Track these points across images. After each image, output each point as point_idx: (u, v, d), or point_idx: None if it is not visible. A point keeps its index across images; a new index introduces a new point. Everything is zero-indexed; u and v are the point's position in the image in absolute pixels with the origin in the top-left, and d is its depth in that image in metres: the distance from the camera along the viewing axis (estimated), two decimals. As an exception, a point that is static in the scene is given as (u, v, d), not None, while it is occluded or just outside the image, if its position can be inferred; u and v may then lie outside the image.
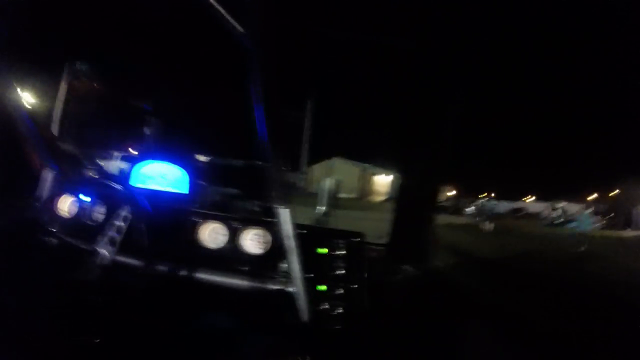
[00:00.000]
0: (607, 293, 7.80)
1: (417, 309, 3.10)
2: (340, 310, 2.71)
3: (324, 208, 3.86)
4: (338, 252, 2.78)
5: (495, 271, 9.60)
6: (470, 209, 31.33)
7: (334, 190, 3.86)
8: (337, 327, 2.68)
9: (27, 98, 2.47)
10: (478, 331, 3.03)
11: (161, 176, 3.00)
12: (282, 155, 2.45)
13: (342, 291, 2.74)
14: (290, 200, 2.49)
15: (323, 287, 2.72)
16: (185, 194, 3.04)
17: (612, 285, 9.32)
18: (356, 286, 2.77)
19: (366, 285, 2.80)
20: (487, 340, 2.98)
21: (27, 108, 2.48)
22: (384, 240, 3.43)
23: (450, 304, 3.37)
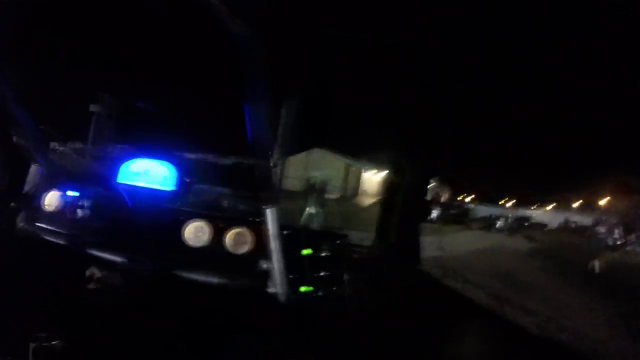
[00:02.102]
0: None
1: (409, 309, 3.41)
2: (326, 311, 3.01)
3: (309, 208, 4.18)
4: (323, 254, 3.07)
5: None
6: (502, 223, 28.59)
7: (318, 188, 4.10)
8: (322, 327, 2.97)
9: (21, 96, 2.70)
10: (475, 331, 3.34)
11: (149, 173, 3.26)
12: (270, 155, 2.74)
13: (327, 292, 3.04)
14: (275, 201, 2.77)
15: (309, 288, 3.00)
16: (172, 192, 3.30)
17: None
18: (342, 287, 3.08)
19: (353, 286, 3.11)
20: (484, 340, 3.29)
21: (20, 106, 2.72)
22: (374, 241, 3.74)
23: (443, 305, 3.67)
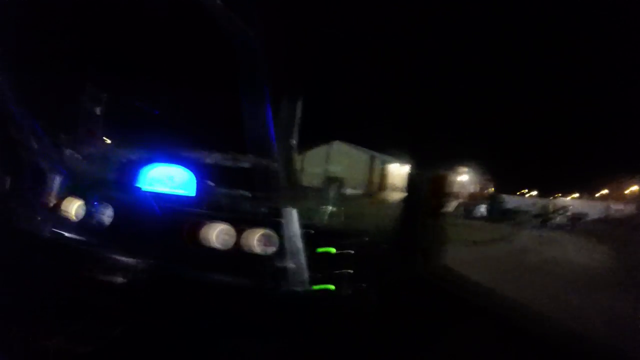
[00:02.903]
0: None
1: (425, 309, 3.48)
2: (348, 309, 3.11)
3: (327, 206, 4.26)
4: (345, 252, 3.15)
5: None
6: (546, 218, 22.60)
7: (336, 185, 4.18)
8: (344, 325, 3.07)
9: (33, 100, 2.82)
10: (482, 332, 3.40)
11: (167, 178, 3.40)
12: (287, 155, 2.83)
13: (349, 291, 3.13)
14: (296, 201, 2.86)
15: (330, 287, 3.09)
16: (191, 196, 3.41)
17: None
18: (364, 285, 3.17)
19: (374, 285, 3.19)
20: (490, 341, 3.35)
21: (33, 111, 2.85)
22: (391, 239, 3.82)
23: (457, 305, 3.73)
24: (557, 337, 3.34)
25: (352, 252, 3.21)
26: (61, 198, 3.23)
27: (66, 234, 3.14)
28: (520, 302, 4.58)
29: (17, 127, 3.03)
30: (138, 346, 2.81)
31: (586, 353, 3.26)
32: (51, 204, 3.21)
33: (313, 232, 3.03)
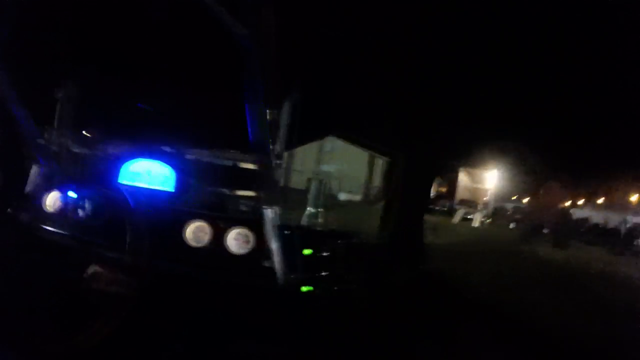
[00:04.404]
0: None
1: (412, 309, 3.57)
2: (327, 311, 3.20)
3: (309, 207, 4.36)
4: (324, 254, 3.25)
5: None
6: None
7: (324, 188, 4.24)
8: (322, 327, 3.16)
9: (19, 95, 2.88)
10: (476, 331, 3.50)
11: (149, 174, 3.46)
12: (270, 154, 2.91)
13: (328, 292, 3.23)
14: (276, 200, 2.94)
15: (308, 288, 3.19)
16: (172, 192, 3.49)
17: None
18: (342, 287, 3.26)
19: (355, 286, 3.29)
20: (484, 340, 3.45)
21: (19, 105, 2.91)
22: (379, 240, 3.91)
23: (446, 305, 3.84)
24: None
25: (332, 253, 3.30)
26: (44, 192, 3.29)
27: (46, 228, 3.21)
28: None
29: (3, 120, 3.10)
30: (118, 345, 2.87)
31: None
32: (33, 198, 3.27)
33: (290, 232, 3.12)
